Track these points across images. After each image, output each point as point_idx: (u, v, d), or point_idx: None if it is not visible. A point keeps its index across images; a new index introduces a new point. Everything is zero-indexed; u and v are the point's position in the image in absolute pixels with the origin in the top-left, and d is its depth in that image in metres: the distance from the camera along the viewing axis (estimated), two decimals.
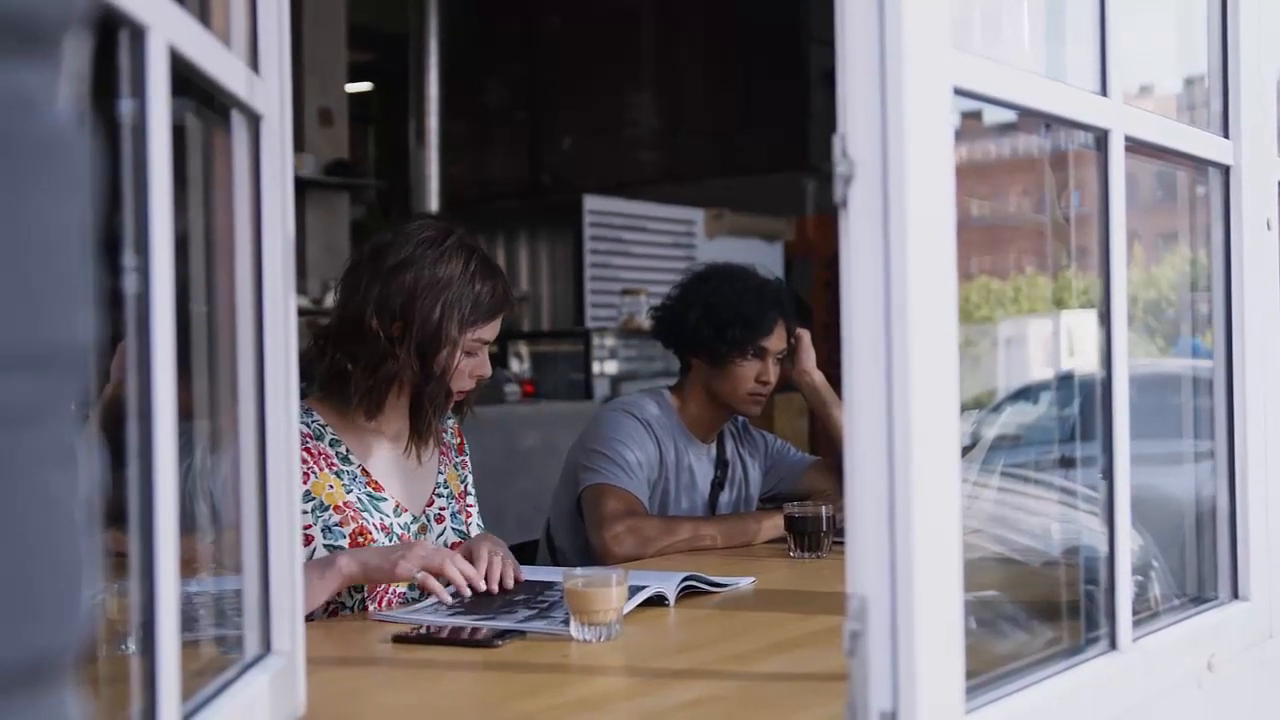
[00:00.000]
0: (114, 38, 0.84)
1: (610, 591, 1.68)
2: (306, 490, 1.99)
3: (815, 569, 2.31)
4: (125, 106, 0.85)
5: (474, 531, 2.23)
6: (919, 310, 1.02)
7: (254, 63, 1.18)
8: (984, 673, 1.16)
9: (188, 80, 0.97)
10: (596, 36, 8.64)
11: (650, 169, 8.55)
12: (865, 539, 1.02)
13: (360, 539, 2.01)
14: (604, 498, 2.51)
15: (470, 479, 2.29)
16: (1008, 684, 1.20)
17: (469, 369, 2.08)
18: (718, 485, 2.78)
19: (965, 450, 1.34)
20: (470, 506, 2.26)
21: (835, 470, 2.64)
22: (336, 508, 2.02)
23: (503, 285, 2.10)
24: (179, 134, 0.97)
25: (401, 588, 2.04)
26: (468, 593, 1.89)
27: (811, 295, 6.93)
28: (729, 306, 2.64)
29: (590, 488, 2.54)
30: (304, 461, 1.99)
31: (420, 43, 7.41)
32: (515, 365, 6.53)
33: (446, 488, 2.21)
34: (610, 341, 6.51)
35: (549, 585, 1.99)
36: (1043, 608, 1.54)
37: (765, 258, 6.60)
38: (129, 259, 0.85)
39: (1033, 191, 1.70)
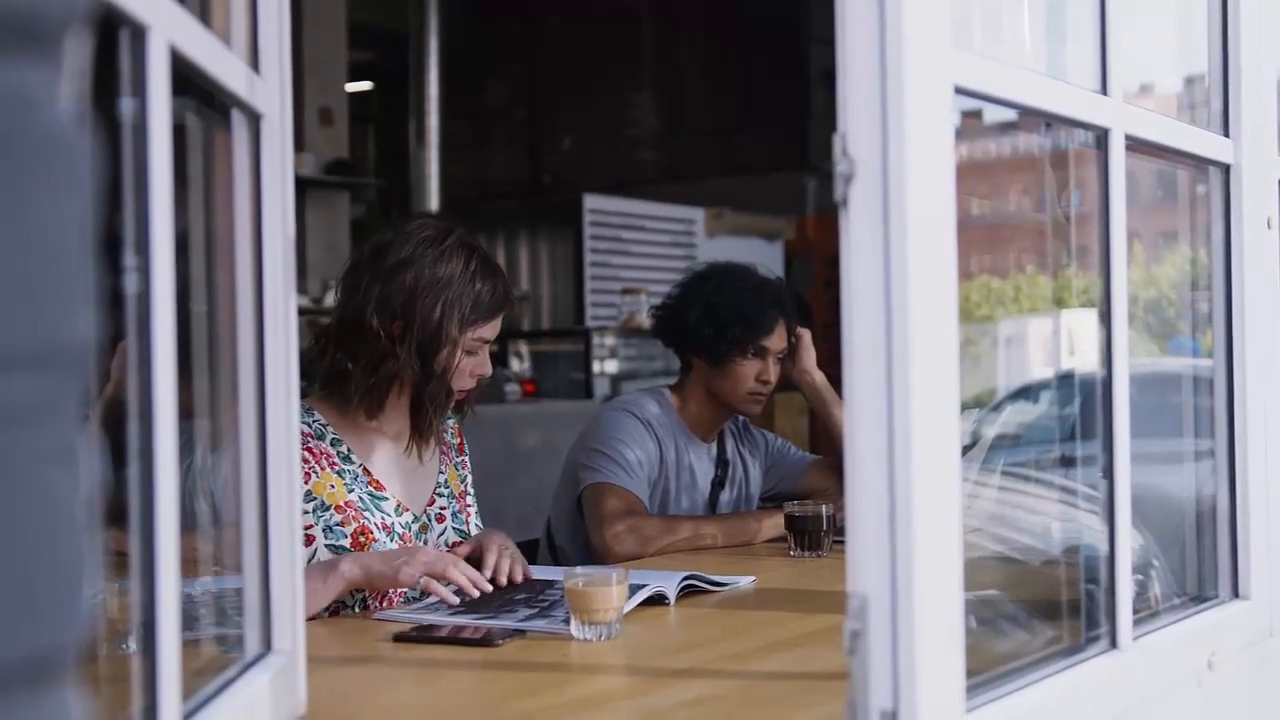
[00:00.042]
0: (115, 37, 0.84)
1: (610, 590, 1.68)
2: (308, 490, 1.99)
3: (815, 568, 2.31)
4: (126, 106, 0.85)
5: (474, 531, 2.23)
6: (919, 309, 1.02)
7: (254, 62, 1.18)
8: (984, 672, 1.16)
9: (188, 79, 0.97)
10: (596, 36, 8.64)
11: (650, 168, 8.55)
12: (865, 538, 1.02)
13: (362, 539, 2.01)
14: (604, 497, 2.51)
15: (470, 478, 2.29)
16: (1008, 683, 1.20)
17: (469, 368, 2.08)
18: (718, 484, 2.78)
19: (965, 449, 1.34)
20: (469, 506, 2.26)
21: (835, 469, 2.64)
22: (338, 507, 2.02)
23: (503, 284, 2.10)
24: (179, 133, 0.97)
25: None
26: (475, 593, 1.89)
27: (812, 294, 6.94)
28: (729, 306, 2.64)
29: (591, 487, 2.54)
30: (305, 461, 1.99)
31: (420, 42, 7.41)
32: (515, 364, 6.53)
33: (447, 487, 2.21)
34: (610, 341, 6.51)
35: (549, 584, 2.00)
36: (1043, 607, 1.54)
37: (765, 257, 6.60)
38: (129, 258, 0.85)
39: (1033, 190, 1.70)
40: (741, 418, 2.85)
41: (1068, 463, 1.65)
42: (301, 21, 6.30)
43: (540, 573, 2.10)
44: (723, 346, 2.64)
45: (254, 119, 1.18)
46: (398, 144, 7.98)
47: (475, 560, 2.08)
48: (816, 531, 2.39)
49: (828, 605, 1.90)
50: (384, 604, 2.01)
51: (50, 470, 0.56)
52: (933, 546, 1.03)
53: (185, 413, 0.91)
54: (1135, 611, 1.38)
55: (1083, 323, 1.49)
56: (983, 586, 1.35)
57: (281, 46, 1.21)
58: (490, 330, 2.09)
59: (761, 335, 2.65)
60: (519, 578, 2.02)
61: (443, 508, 2.18)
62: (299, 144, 5.82)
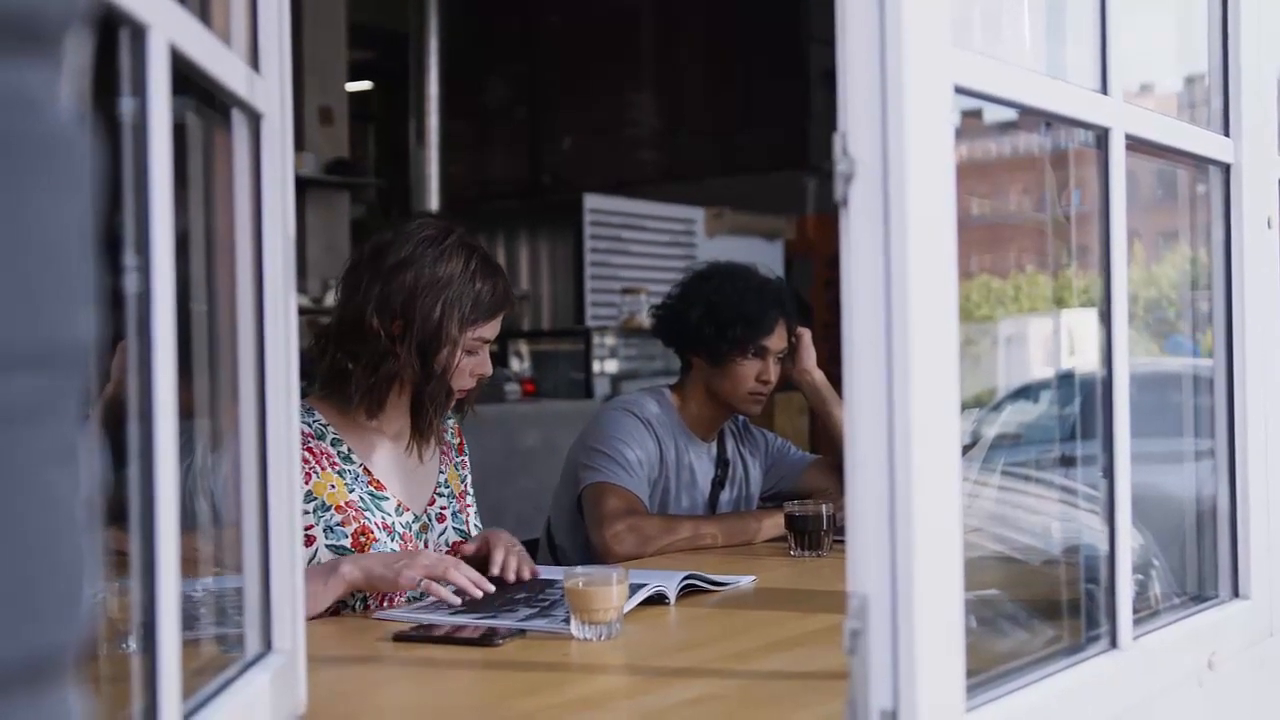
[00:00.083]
0: (115, 36, 0.84)
1: (611, 590, 1.68)
2: (308, 490, 1.99)
3: (815, 567, 2.31)
4: (126, 105, 0.85)
5: (474, 531, 2.24)
6: (919, 309, 1.02)
7: (254, 61, 1.18)
8: (984, 671, 1.16)
9: (188, 79, 0.97)
10: (597, 36, 8.64)
11: (650, 168, 8.55)
12: (866, 537, 1.02)
13: (362, 538, 2.01)
14: (604, 496, 2.51)
15: (469, 478, 2.29)
16: (1008, 682, 1.20)
17: (470, 367, 2.08)
18: (718, 484, 2.78)
19: (966, 449, 1.34)
20: (469, 506, 2.26)
21: (836, 469, 2.64)
22: (338, 508, 2.02)
23: (503, 284, 2.10)
24: (179, 133, 0.97)
25: None
26: (477, 594, 1.89)
27: (812, 294, 6.94)
28: (730, 305, 2.64)
29: (591, 486, 2.54)
30: (305, 461, 1.99)
31: (420, 42, 7.41)
32: (515, 364, 6.54)
33: (447, 487, 2.21)
34: (610, 340, 6.51)
35: (550, 584, 2.00)
36: (1043, 606, 1.54)
37: (765, 257, 6.60)
38: (130, 258, 0.85)
39: (1033, 190, 1.70)
40: (742, 417, 2.85)
41: (1068, 462, 1.65)
42: (301, 21, 6.30)
43: (540, 572, 2.10)
44: (723, 346, 2.64)
45: (254, 118, 1.18)
46: (398, 144, 7.99)
47: (483, 558, 2.09)
48: (816, 531, 2.39)
49: (828, 605, 1.90)
50: (385, 604, 2.01)
51: (50, 470, 0.56)
52: (933, 546, 1.03)
53: (185, 412, 0.91)
54: (1135, 611, 1.38)
55: (1083, 322, 1.49)
56: (983, 586, 1.35)
57: (282, 46, 1.21)
58: (490, 330, 2.09)
59: (762, 335, 2.65)
60: (526, 575, 2.04)
61: (443, 507, 2.18)
62: (299, 144, 5.82)
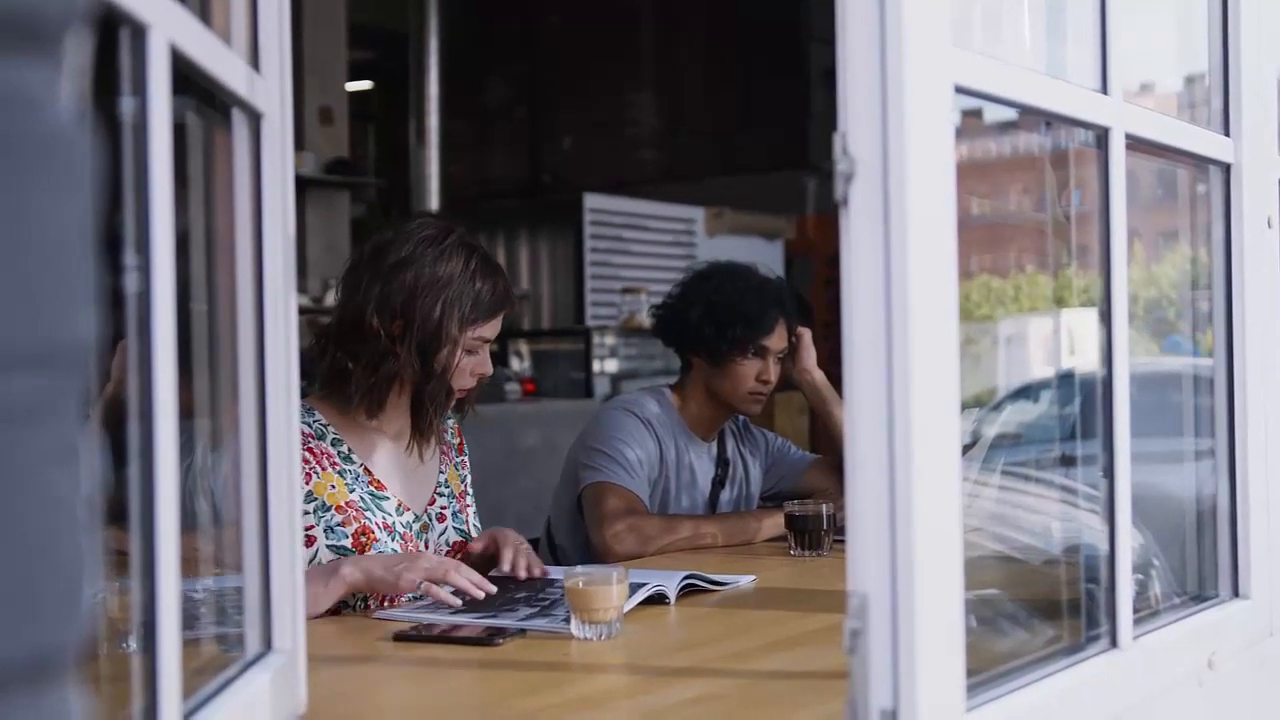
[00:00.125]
0: (115, 36, 0.84)
1: (611, 590, 1.68)
2: (308, 491, 1.99)
3: (815, 567, 2.31)
4: (126, 105, 0.85)
5: (474, 532, 2.24)
6: (919, 308, 1.02)
7: (254, 61, 1.18)
8: (985, 671, 1.16)
9: (188, 78, 0.97)
10: (597, 35, 8.64)
11: (650, 168, 8.55)
12: (866, 537, 1.02)
13: (363, 539, 2.01)
14: (605, 496, 2.51)
15: (469, 478, 2.29)
16: (1008, 682, 1.20)
17: (470, 367, 2.08)
18: (718, 483, 2.78)
19: (966, 448, 1.34)
20: (469, 506, 2.27)
21: (836, 468, 2.64)
22: (339, 508, 2.02)
23: (503, 283, 2.10)
24: (180, 132, 0.97)
25: None
26: (479, 594, 1.89)
27: (812, 294, 6.94)
28: (730, 305, 2.64)
29: (591, 486, 2.55)
30: (306, 462, 1.99)
31: (420, 41, 7.41)
32: (516, 364, 6.53)
33: (447, 487, 2.21)
34: (610, 340, 6.51)
35: (550, 583, 2.00)
36: (1043, 606, 1.54)
37: (766, 256, 6.60)
38: (130, 258, 0.85)
39: (1033, 189, 1.70)
40: (742, 417, 2.85)
41: (1068, 462, 1.65)
42: (302, 21, 6.30)
43: (550, 571, 2.10)
44: (723, 346, 2.64)
45: (254, 118, 1.18)
46: (398, 143, 7.99)
47: (489, 557, 2.10)
48: (817, 531, 2.39)
49: (828, 604, 1.90)
50: (385, 603, 2.01)
51: (50, 469, 0.56)
52: (933, 546, 1.03)
53: (185, 412, 0.92)
54: (1135, 611, 1.38)
55: (1083, 322, 1.49)
56: (983, 586, 1.35)
57: (282, 45, 1.21)
58: (490, 329, 2.09)
59: (762, 335, 2.65)
60: (537, 573, 2.05)
61: (443, 507, 2.18)
62: (299, 143, 5.82)
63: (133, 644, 1.00)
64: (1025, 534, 1.69)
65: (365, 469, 2.08)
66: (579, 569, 1.74)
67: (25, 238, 0.55)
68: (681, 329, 2.72)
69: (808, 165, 7.67)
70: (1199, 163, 1.65)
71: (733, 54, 8.34)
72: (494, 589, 1.91)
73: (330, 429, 2.07)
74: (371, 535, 2.03)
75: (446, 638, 1.71)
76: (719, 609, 1.95)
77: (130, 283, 0.85)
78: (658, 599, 1.91)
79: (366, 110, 9.18)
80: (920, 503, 1.01)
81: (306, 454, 2.00)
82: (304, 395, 2.04)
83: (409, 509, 2.11)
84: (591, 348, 6.41)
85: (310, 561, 1.97)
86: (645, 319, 6.20)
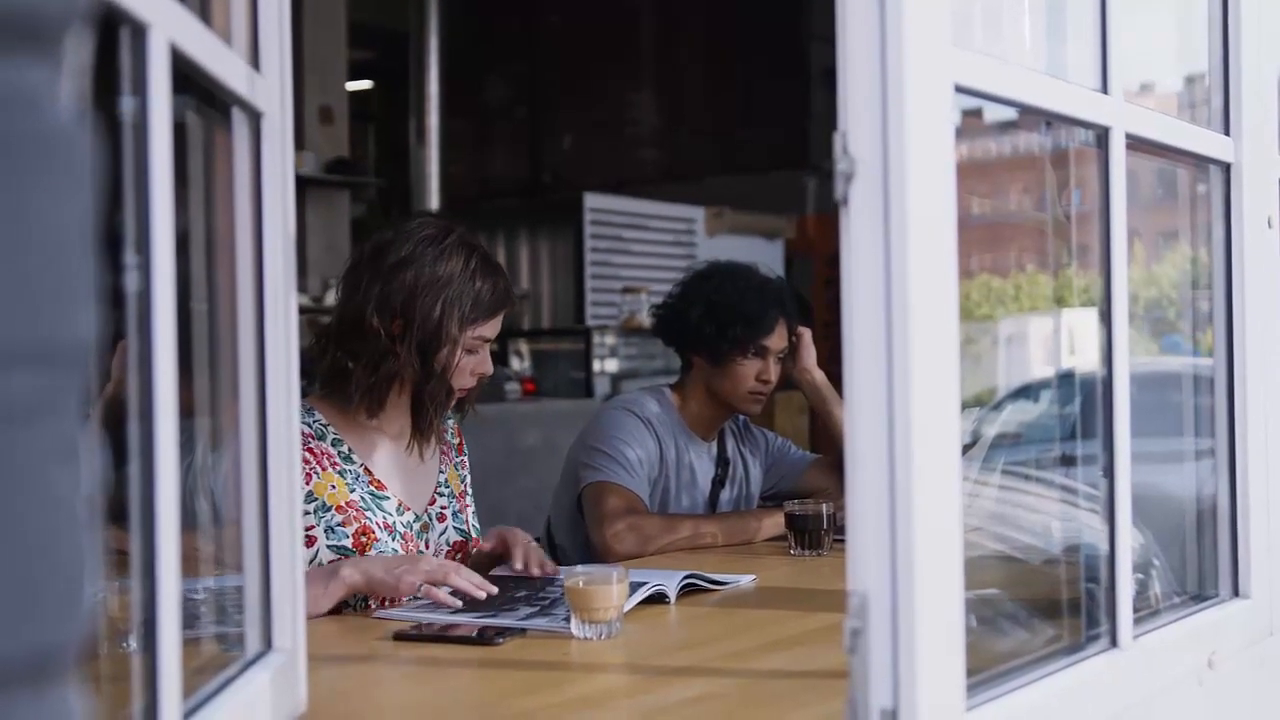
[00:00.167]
0: (115, 35, 0.84)
1: (611, 589, 1.68)
2: (309, 491, 1.99)
3: (815, 566, 2.31)
4: (126, 104, 0.85)
5: (473, 532, 2.24)
6: (920, 308, 1.02)
7: (255, 60, 1.18)
8: (985, 670, 1.16)
9: (189, 78, 0.97)
10: (597, 35, 8.65)
11: (651, 167, 8.55)
12: (866, 536, 1.02)
13: (363, 539, 2.01)
14: (605, 495, 2.51)
15: (469, 478, 2.29)
16: (1008, 681, 1.20)
17: (470, 367, 2.08)
18: (718, 483, 2.78)
19: (966, 448, 1.34)
20: (468, 506, 2.27)
21: (836, 468, 2.64)
22: (339, 508, 2.02)
23: (503, 282, 2.10)
24: (180, 131, 0.97)
25: None
26: (481, 595, 1.88)
27: (812, 293, 6.94)
28: (731, 305, 2.64)
29: (591, 485, 2.55)
30: (306, 462, 1.99)
31: (421, 41, 7.41)
32: (516, 363, 6.53)
33: (447, 487, 2.21)
34: (611, 339, 6.51)
35: (550, 582, 2.00)
36: (1043, 605, 1.54)
37: (766, 256, 6.60)
38: (130, 257, 0.85)
39: (1033, 189, 1.70)
40: (742, 417, 2.85)
41: (1068, 461, 1.65)
42: (302, 20, 6.30)
43: (560, 569, 2.10)
44: (723, 346, 2.64)
45: (254, 117, 1.18)
46: (398, 143, 7.99)
47: (496, 557, 2.11)
48: (817, 530, 2.39)
49: (828, 604, 1.90)
50: (385, 603, 2.01)
51: (51, 468, 0.56)
52: (933, 545, 1.03)
53: (186, 411, 0.92)
54: (1135, 610, 1.38)
55: (1083, 322, 1.49)
56: (983, 585, 1.35)
57: (282, 45, 1.21)
58: (491, 329, 2.09)
59: (762, 335, 2.65)
60: (550, 571, 2.05)
61: (443, 507, 2.18)
62: (299, 143, 5.82)
63: (133, 643, 1.00)
64: (1025, 533, 1.69)
65: (365, 469, 2.08)
66: (579, 568, 1.74)
67: (26, 237, 0.55)
68: (682, 329, 2.72)
69: (808, 165, 7.67)
70: (1199, 162, 1.65)
71: (733, 54, 8.34)
72: (495, 590, 1.91)
73: (330, 429, 2.07)
74: (372, 535, 2.03)
75: (446, 637, 1.71)
76: (719, 608, 1.95)
77: (130, 282, 0.85)
78: (658, 598, 1.91)
79: (366, 110, 9.19)
80: (920, 502, 1.01)
81: (307, 454, 2.00)
82: (304, 395, 2.04)
83: (409, 509, 2.11)
84: (591, 347, 6.41)
85: (311, 562, 1.97)
86: (645, 319, 6.20)
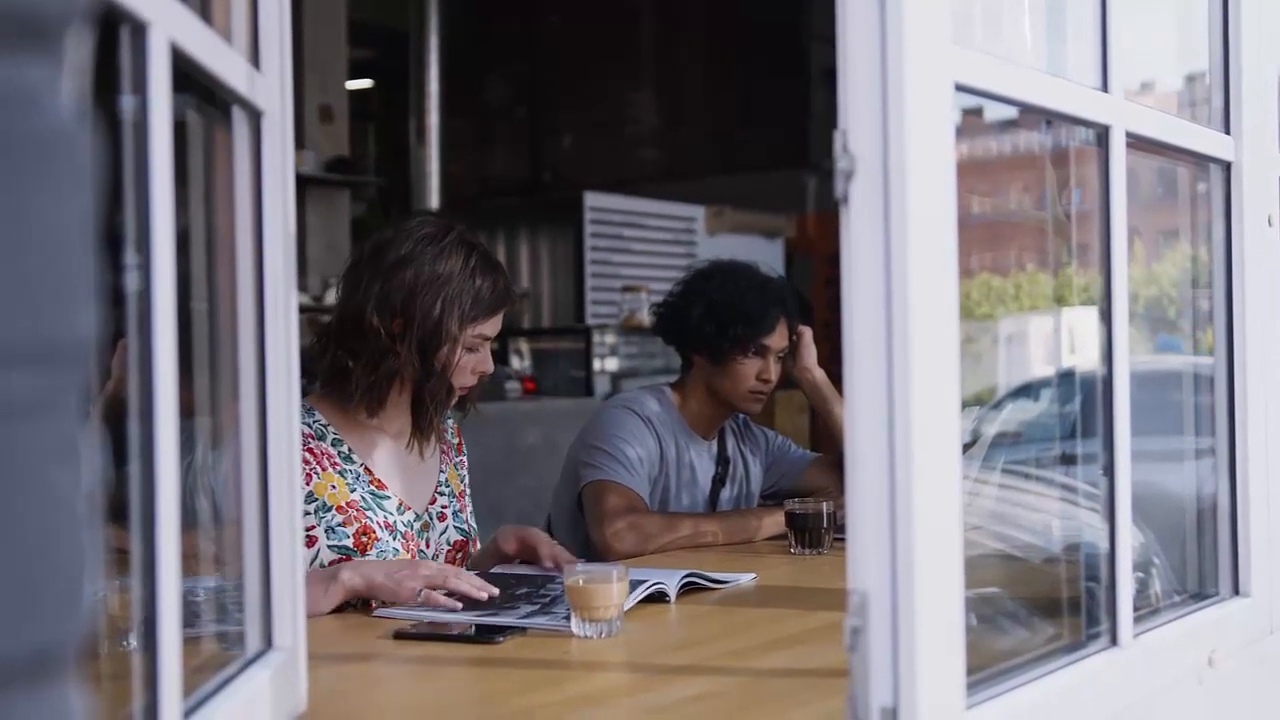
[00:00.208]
0: (115, 34, 0.84)
1: (611, 588, 1.68)
2: (309, 491, 1.99)
3: (816, 565, 2.31)
4: (127, 103, 0.85)
5: (471, 532, 2.24)
6: (920, 307, 1.02)
7: (255, 59, 1.18)
8: (985, 669, 1.16)
9: (189, 76, 0.97)
10: (597, 34, 8.65)
11: (651, 166, 8.55)
12: (866, 535, 1.02)
13: (364, 538, 2.01)
14: (605, 494, 2.51)
15: (467, 478, 2.29)
16: (1008, 680, 1.20)
17: (470, 365, 2.08)
18: (719, 482, 2.78)
19: (966, 447, 1.34)
20: (467, 506, 2.27)
21: (836, 467, 2.64)
22: (339, 508, 2.02)
23: (503, 281, 2.10)
24: (180, 130, 0.97)
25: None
26: (483, 597, 1.88)
27: (812, 292, 6.94)
28: (731, 304, 2.64)
29: (591, 484, 2.55)
30: (306, 462, 1.99)
31: (421, 40, 7.41)
32: (516, 362, 6.54)
33: (448, 486, 2.21)
34: (611, 338, 6.51)
35: (550, 581, 2.00)
36: (1044, 604, 1.54)
37: (766, 255, 6.60)
38: (130, 256, 0.85)
39: (1034, 188, 1.70)
40: (742, 415, 2.85)
41: (1068, 460, 1.65)
42: (302, 19, 6.31)
43: (541, 570, 2.10)
44: (724, 345, 2.64)
45: (255, 116, 1.18)
46: (398, 142, 7.99)
47: (504, 557, 2.12)
48: (817, 529, 2.39)
49: (828, 602, 1.90)
50: (386, 602, 2.01)
51: (51, 467, 0.56)
52: (933, 544, 1.03)
53: (186, 410, 0.92)
54: (1136, 609, 1.38)
55: (1083, 320, 1.49)
56: (983, 584, 1.35)
57: (282, 43, 1.21)
58: (491, 327, 2.09)
59: (763, 334, 2.65)
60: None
61: (444, 506, 2.18)
62: (299, 141, 5.82)
63: (133, 642, 1.00)
64: (1025, 532, 1.69)
65: (366, 468, 2.08)
66: (579, 567, 1.74)
67: (26, 236, 0.55)
68: (682, 327, 2.72)
69: (808, 164, 7.67)
70: (1199, 161, 1.65)
71: (733, 53, 8.34)
72: (496, 591, 1.91)
73: (330, 429, 2.07)
74: (372, 535, 2.03)
75: (447, 635, 1.71)
76: (719, 607, 1.95)
77: (130, 281, 0.85)
78: (658, 597, 1.91)
79: (367, 109, 9.18)
80: (920, 501, 1.01)
81: (307, 455, 2.00)
82: (304, 394, 2.04)
83: (410, 508, 2.11)
84: (592, 346, 6.41)
85: (312, 562, 1.97)
86: (645, 317, 6.20)
